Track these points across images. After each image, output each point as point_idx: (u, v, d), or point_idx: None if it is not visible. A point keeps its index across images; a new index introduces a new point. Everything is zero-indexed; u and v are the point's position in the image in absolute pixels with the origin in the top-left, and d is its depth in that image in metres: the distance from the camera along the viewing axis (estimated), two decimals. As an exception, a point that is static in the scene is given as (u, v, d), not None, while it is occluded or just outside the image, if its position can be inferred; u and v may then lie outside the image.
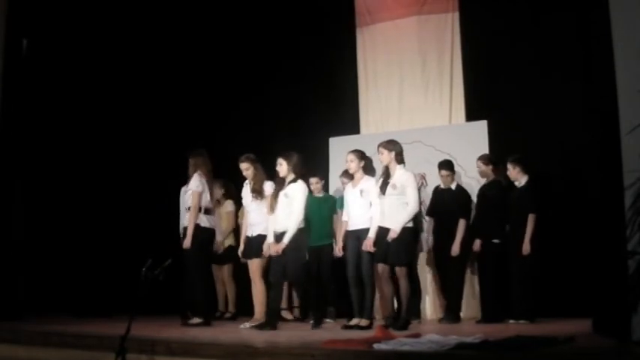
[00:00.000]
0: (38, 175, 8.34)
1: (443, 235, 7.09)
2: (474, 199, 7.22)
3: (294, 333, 5.95)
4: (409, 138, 8.00)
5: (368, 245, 6.19)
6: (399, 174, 6.18)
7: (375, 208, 6.27)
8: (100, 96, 8.92)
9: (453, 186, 7.20)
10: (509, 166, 6.76)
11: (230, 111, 8.89)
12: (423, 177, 7.89)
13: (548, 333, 4.85)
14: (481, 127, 7.64)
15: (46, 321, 6.84)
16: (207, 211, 6.77)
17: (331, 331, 5.95)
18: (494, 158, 7.06)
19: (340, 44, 8.54)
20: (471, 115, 7.80)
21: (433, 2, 8.07)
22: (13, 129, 7.51)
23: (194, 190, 6.65)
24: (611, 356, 3.95)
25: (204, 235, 6.71)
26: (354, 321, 6.27)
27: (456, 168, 7.65)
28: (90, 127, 8.83)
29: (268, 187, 6.67)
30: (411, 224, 6.11)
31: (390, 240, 6.00)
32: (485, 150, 7.52)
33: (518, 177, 6.74)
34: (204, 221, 6.71)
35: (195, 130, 8.80)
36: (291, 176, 6.32)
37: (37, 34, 8.10)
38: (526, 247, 6.46)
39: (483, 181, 7.25)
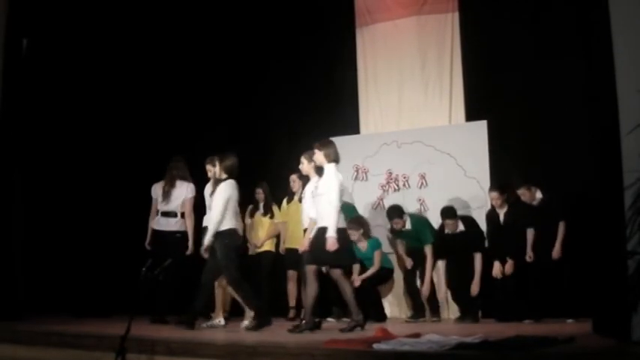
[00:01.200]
0: (38, 175, 8.34)
1: (457, 272, 7.08)
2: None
3: (294, 333, 5.94)
4: (409, 138, 8.03)
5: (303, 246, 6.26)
6: (325, 173, 6.07)
7: (306, 209, 6.33)
8: (101, 95, 8.91)
9: (462, 227, 7.09)
10: (524, 191, 6.70)
11: (230, 111, 8.88)
12: (422, 177, 7.90)
13: (548, 333, 4.85)
14: (481, 127, 7.64)
15: (46, 321, 6.84)
16: (165, 214, 7.28)
17: (331, 331, 5.94)
18: (504, 184, 7.03)
19: (340, 44, 8.53)
20: (471, 115, 7.79)
21: (433, 2, 8.07)
22: (12, 129, 7.50)
23: None
24: (611, 356, 3.96)
25: (155, 236, 7.29)
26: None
27: (456, 168, 7.67)
28: (90, 127, 8.82)
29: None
30: (340, 225, 5.93)
31: (328, 248, 5.85)
32: (485, 150, 7.52)
33: (535, 196, 6.74)
34: (157, 224, 7.31)
35: (195, 130, 8.79)
36: (223, 176, 6.39)
37: (37, 34, 8.09)
38: (557, 252, 6.50)
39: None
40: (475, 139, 7.62)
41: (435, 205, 7.74)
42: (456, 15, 7.93)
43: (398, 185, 8.04)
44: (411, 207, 7.86)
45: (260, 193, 7.87)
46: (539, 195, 6.76)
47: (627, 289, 4.18)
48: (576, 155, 6.49)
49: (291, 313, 7.63)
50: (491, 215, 7.05)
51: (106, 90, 8.92)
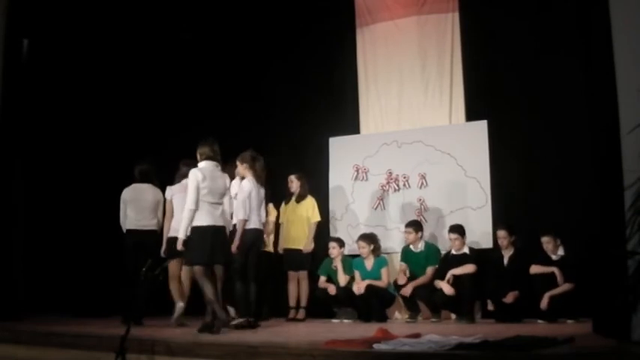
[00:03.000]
0: (38, 176, 8.34)
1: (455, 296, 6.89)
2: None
3: (294, 333, 5.95)
4: (409, 138, 8.04)
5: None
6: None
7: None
8: (101, 96, 8.91)
9: (466, 250, 6.96)
10: (549, 239, 6.49)
11: (230, 111, 8.88)
12: (422, 177, 7.90)
13: (548, 333, 4.85)
14: (481, 127, 7.64)
15: (46, 321, 6.84)
16: None
17: (331, 331, 5.94)
18: (513, 224, 6.91)
19: (340, 44, 8.53)
20: (471, 115, 7.80)
21: (433, 2, 8.07)
22: (12, 130, 7.50)
23: None
24: (611, 356, 3.95)
25: None
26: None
27: (456, 168, 7.66)
28: (90, 128, 8.82)
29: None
30: (199, 223, 5.76)
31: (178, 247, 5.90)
32: (486, 150, 7.53)
33: (557, 250, 6.54)
34: None
35: (195, 130, 8.77)
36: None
37: (37, 34, 8.09)
38: (544, 303, 6.37)
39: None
40: (475, 139, 7.63)
41: (435, 205, 7.76)
42: (456, 15, 7.94)
43: (398, 185, 8.04)
44: (411, 207, 7.86)
45: None
46: (561, 252, 6.54)
47: (627, 289, 4.18)
48: (576, 155, 6.48)
49: (291, 314, 7.65)
50: (495, 257, 6.88)
51: (107, 90, 8.93)
